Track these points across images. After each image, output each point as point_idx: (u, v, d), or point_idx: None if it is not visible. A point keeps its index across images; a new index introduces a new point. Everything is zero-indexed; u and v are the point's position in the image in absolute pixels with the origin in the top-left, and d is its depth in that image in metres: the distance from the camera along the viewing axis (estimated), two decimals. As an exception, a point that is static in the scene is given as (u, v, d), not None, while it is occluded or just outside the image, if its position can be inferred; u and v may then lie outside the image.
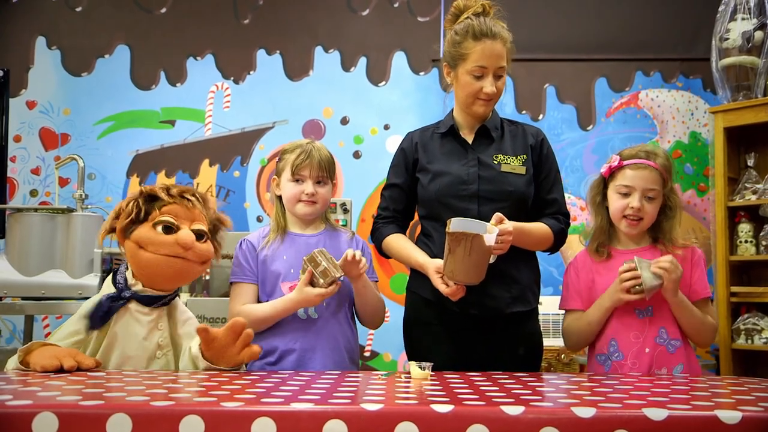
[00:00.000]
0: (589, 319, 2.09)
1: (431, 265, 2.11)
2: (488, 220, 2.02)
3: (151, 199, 1.85)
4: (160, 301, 1.84)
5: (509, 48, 2.17)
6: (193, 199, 1.87)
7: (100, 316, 1.77)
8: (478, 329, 2.16)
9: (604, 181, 2.18)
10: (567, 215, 2.26)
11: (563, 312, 2.23)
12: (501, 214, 2.03)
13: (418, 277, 2.24)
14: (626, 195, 2.09)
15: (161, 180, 4.38)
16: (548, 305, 3.83)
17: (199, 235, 1.84)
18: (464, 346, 2.16)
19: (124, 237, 1.83)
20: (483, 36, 2.13)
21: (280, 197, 2.24)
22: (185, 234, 1.80)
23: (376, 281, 2.24)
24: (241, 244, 2.21)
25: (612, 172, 2.15)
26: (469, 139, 2.24)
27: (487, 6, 2.20)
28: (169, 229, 1.80)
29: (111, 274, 1.87)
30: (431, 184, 2.22)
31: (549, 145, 2.30)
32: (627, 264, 1.99)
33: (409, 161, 2.29)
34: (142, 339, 1.80)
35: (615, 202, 2.12)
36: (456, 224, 1.95)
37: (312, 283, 2.02)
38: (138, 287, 1.81)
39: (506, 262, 2.06)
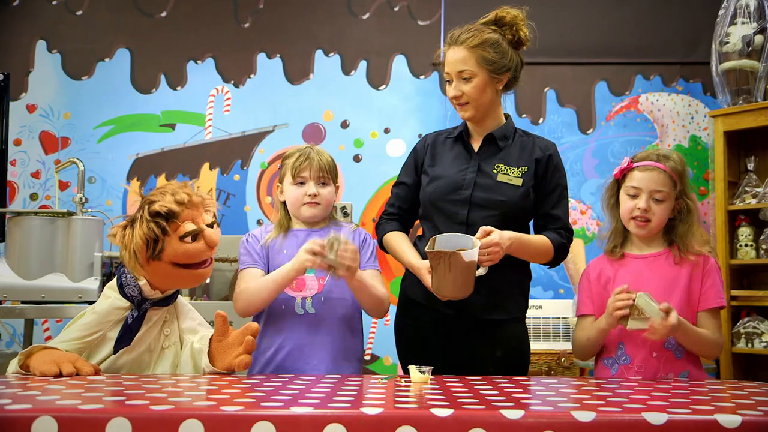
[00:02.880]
0: (588, 334, 2.10)
1: (422, 266, 2.11)
2: (477, 227, 2.02)
3: (161, 215, 1.76)
4: (173, 299, 1.89)
5: (477, 52, 2.14)
6: (195, 197, 1.85)
7: (130, 336, 1.81)
8: (464, 331, 2.17)
9: (618, 184, 2.18)
10: (570, 231, 2.25)
11: (569, 316, 2.22)
12: (489, 226, 2.02)
13: (409, 277, 2.25)
14: (634, 196, 2.09)
15: (161, 183, 4.37)
16: (549, 309, 3.83)
17: (209, 226, 1.85)
18: (451, 348, 2.17)
19: (151, 260, 1.76)
20: (448, 44, 2.19)
21: (284, 204, 2.25)
22: (212, 233, 1.82)
23: (379, 270, 2.23)
24: (246, 238, 2.23)
25: (623, 175, 2.15)
26: (476, 146, 2.25)
27: (496, 16, 2.21)
28: (195, 236, 1.79)
29: (117, 283, 1.83)
30: (428, 186, 2.24)
31: (558, 161, 2.26)
32: (622, 290, 1.96)
33: (418, 162, 2.32)
34: (157, 334, 1.86)
35: (624, 204, 2.12)
36: (440, 240, 1.97)
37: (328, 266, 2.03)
38: (158, 294, 1.83)
39: (489, 269, 2.05)
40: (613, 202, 2.19)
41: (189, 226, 1.78)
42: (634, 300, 1.92)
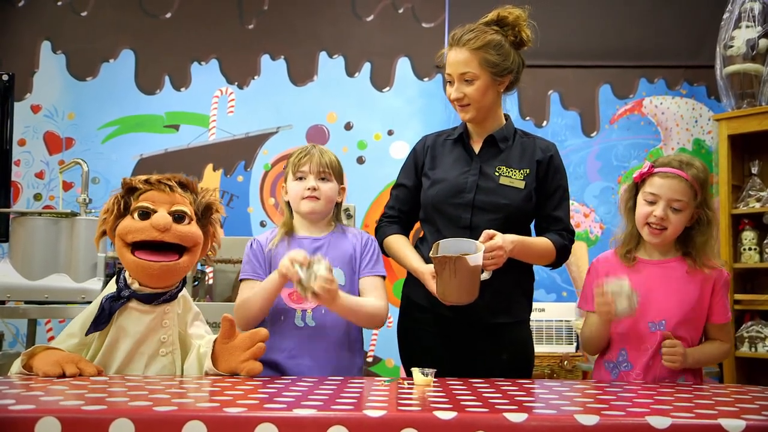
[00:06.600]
0: (598, 335, 2.08)
1: (426, 270, 2.10)
2: (480, 230, 2.02)
3: (130, 192, 1.82)
4: (160, 298, 1.81)
5: (480, 54, 2.13)
6: (171, 183, 1.83)
7: (103, 319, 1.76)
8: (468, 335, 2.16)
9: (636, 187, 2.13)
10: (572, 232, 2.24)
11: (572, 319, 2.21)
12: (491, 230, 2.01)
13: (411, 281, 2.24)
14: (652, 203, 2.04)
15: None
16: (552, 312, 3.83)
17: (179, 216, 1.79)
18: (455, 351, 2.17)
19: (113, 236, 1.81)
20: (450, 44, 2.18)
21: (288, 204, 2.21)
22: (159, 216, 1.75)
23: (384, 276, 2.17)
24: (251, 243, 2.19)
25: (643, 178, 2.10)
26: (477, 148, 2.24)
27: (498, 15, 2.19)
28: (146, 215, 1.76)
29: (117, 273, 1.85)
30: (430, 189, 2.23)
31: (559, 162, 2.25)
32: (607, 285, 1.95)
33: (418, 164, 2.31)
34: (144, 337, 1.78)
35: (640, 209, 2.07)
36: (443, 246, 1.96)
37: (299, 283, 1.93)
38: (136, 285, 1.79)
39: (493, 273, 2.03)
40: (630, 205, 2.13)
41: (141, 203, 1.78)
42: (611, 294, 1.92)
